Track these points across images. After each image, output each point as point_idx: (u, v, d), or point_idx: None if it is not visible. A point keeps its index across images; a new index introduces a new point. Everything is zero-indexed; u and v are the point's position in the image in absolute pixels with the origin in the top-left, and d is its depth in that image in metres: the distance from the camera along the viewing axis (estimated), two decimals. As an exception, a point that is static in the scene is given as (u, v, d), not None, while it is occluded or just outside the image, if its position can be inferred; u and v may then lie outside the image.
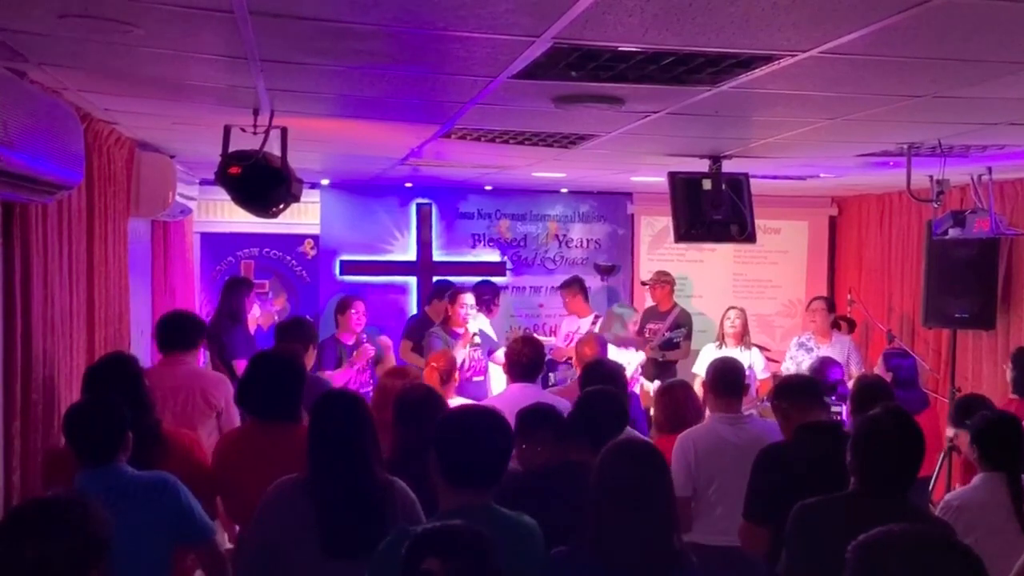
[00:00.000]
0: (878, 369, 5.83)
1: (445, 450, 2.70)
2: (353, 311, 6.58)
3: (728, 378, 4.46)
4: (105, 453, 3.06)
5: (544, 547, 2.75)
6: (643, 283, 8.32)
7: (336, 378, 6.24)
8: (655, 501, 2.64)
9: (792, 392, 3.99)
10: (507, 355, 5.10)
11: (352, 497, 2.95)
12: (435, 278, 8.34)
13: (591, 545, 2.63)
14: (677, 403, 4.74)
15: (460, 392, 5.84)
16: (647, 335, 7.73)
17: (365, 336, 6.61)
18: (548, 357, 7.55)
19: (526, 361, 4.87)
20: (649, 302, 8.13)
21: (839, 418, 5.13)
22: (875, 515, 2.69)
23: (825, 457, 3.57)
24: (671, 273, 8.01)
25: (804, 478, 3.53)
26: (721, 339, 7.20)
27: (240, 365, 5.90)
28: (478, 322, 6.84)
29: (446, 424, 2.81)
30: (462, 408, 2.93)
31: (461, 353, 6.25)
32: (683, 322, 7.72)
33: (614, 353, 6.52)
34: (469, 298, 6.57)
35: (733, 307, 7.30)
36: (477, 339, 6.39)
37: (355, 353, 6.43)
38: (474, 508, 2.60)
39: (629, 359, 6.77)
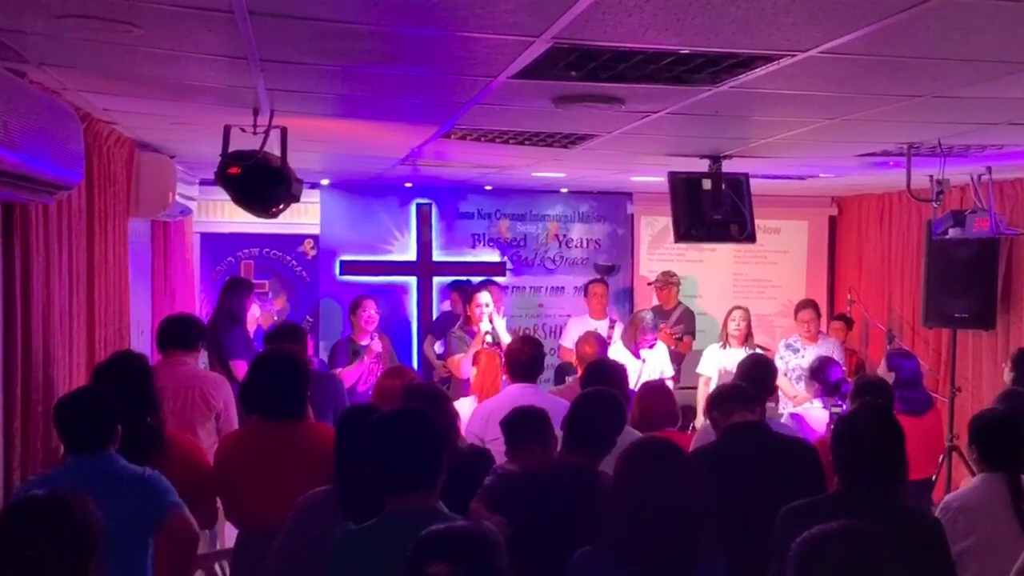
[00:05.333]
0: (880, 370, 5.83)
1: (371, 457, 2.67)
2: (363, 311, 6.60)
3: (756, 380, 4.50)
4: (94, 443, 3.07)
5: (506, 554, 2.71)
6: (649, 283, 8.34)
7: (347, 375, 6.23)
8: (678, 498, 2.63)
9: (717, 401, 4.06)
10: (507, 355, 5.10)
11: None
12: (452, 278, 8.38)
13: (615, 545, 2.62)
14: (652, 404, 4.77)
15: None
16: None
17: (376, 335, 6.63)
18: (561, 363, 7.58)
19: (526, 360, 4.86)
20: (654, 302, 8.15)
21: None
22: (861, 514, 2.71)
23: (752, 452, 3.70)
24: (676, 274, 8.12)
25: (735, 475, 3.60)
26: (725, 340, 7.18)
27: (238, 366, 5.88)
28: (498, 322, 6.87)
29: (370, 430, 2.76)
30: (384, 413, 2.86)
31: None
32: (686, 320, 7.79)
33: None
34: (484, 296, 6.57)
35: (738, 307, 7.25)
36: (490, 338, 6.36)
37: (368, 345, 6.47)
38: (418, 510, 2.56)
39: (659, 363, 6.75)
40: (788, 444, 4.03)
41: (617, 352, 6.53)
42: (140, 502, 3.06)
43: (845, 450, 3.00)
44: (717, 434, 3.97)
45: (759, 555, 3.09)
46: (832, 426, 3.10)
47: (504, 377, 5.18)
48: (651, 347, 6.70)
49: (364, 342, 6.53)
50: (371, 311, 6.65)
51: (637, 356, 6.49)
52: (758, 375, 4.54)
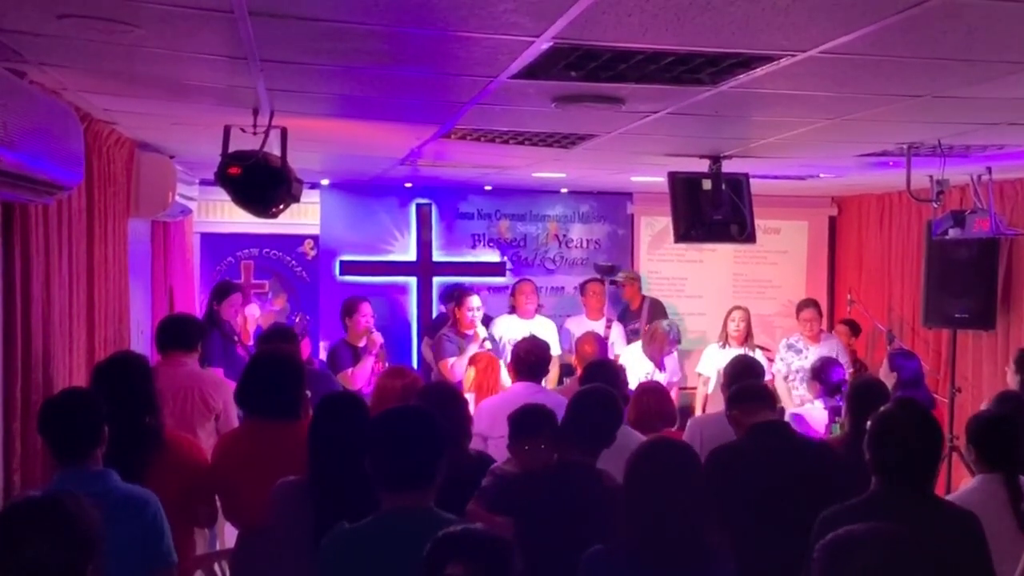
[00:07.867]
0: (883, 370, 5.83)
1: (373, 453, 2.69)
2: (360, 315, 6.49)
3: (745, 380, 4.47)
4: (81, 448, 3.00)
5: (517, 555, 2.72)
6: (611, 282, 8.29)
7: (356, 375, 6.18)
8: (688, 498, 2.65)
9: (740, 398, 4.03)
10: (512, 354, 5.14)
11: (350, 502, 2.94)
12: (452, 278, 8.32)
13: (628, 545, 2.64)
14: (648, 405, 4.77)
15: None
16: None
17: (372, 332, 6.53)
18: (564, 362, 7.58)
19: (533, 361, 4.90)
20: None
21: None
22: (900, 516, 2.67)
23: (778, 452, 3.67)
24: (636, 270, 8.45)
25: (757, 476, 3.59)
26: (725, 340, 7.17)
27: (214, 372, 5.79)
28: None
29: (373, 426, 2.79)
30: (390, 410, 2.90)
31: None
32: (656, 312, 7.77)
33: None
34: (475, 300, 6.55)
35: (738, 307, 7.24)
36: (488, 344, 6.35)
37: (368, 341, 6.33)
38: (413, 510, 2.59)
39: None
40: (814, 446, 4.01)
41: (628, 357, 6.53)
42: (137, 530, 2.95)
43: (882, 447, 2.90)
44: (738, 432, 3.95)
45: (778, 556, 3.06)
46: (870, 425, 3.02)
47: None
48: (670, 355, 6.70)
49: (361, 344, 6.40)
50: (367, 314, 6.50)
51: (662, 367, 6.47)
52: (751, 377, 4.50)
